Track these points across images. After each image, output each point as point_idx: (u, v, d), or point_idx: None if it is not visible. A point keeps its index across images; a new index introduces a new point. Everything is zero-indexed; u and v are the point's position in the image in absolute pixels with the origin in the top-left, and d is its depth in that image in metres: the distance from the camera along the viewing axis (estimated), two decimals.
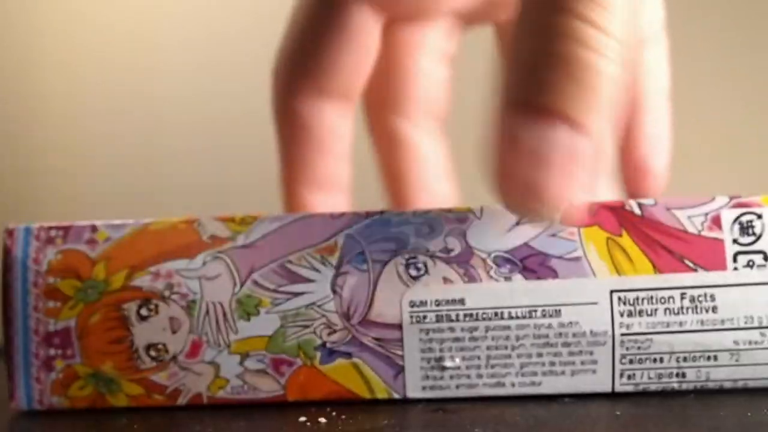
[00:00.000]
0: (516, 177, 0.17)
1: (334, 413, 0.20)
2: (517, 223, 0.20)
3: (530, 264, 0.20)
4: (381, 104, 0.25)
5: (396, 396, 0.20)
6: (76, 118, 0.43)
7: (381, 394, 0.20)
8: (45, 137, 0.42)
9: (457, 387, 0.20)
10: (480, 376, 0.20)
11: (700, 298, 0.19)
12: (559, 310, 0.20)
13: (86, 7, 0.44)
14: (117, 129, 0.45)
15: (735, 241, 0.20)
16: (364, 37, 0.23)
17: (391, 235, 0.20)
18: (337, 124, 0.24)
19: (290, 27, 0.24)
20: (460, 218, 0.20)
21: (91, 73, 0.44)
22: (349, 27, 0.23)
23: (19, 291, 0.21)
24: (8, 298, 0.21)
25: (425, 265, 0.20)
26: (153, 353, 0.21)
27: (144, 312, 0.21)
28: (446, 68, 0.25)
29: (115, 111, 0.44)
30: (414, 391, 0.20)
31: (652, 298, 0.20)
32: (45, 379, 0.21)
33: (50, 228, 0.21)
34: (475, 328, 0.20)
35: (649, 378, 0.20)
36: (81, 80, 0.44)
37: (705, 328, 0.19)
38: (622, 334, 0.20)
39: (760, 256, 0.19)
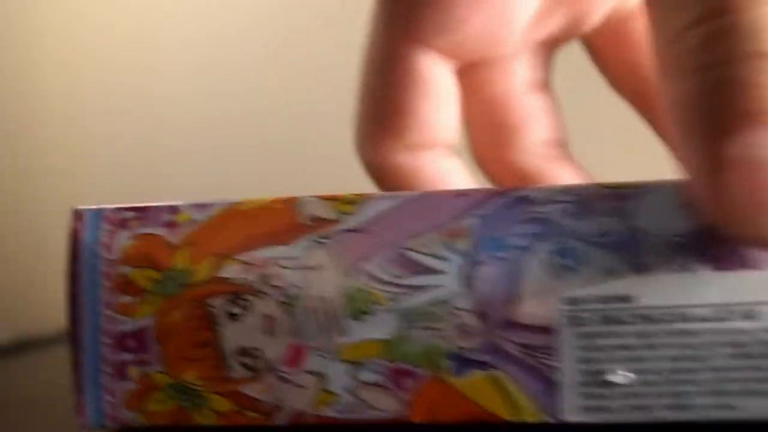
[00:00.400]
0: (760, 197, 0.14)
1: None
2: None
3: (718, 250, 0.16)
4: (492, 149, 0.24)
5: (549, 419, 0.16)
6: (76, 118, 0.43)
7: (529, 417, 0.16)
8: (45, 137, 0.42)
9: (628, 409, 0.16)
10: (657, 395, 0.16)
11: None
12: (759, 311, 0.15)
13: (86, 7, 0.44)
14: (117, 129, 0.44)
15: None
16: (438, 85, 0.22)
17: (534, 216, 0.16)
18: (444, 167, 0.23)
19: (363, 89, 0.23)
20: (619, 194, 0.16)
21: (91, 73, 0.44)
22: (422, 78, 0.22)
23: (88, 283, 0.17)
24: (75, 292, 0.18)
25: (580, 253, 0.16)
26: (246, 360, 0.17)
27: (234, 309, 0.17)
28: (543, 95, 0.24)
29: (115, 111, 0.44)
30: (572, 414, 0.16)
31: None
32: (118, 391, 0.17)
33: (124, 209, 0.18)
34: (650, 333, 0.16)
35: None
36: (81, 80, 0.43)
37: None
38: None
39: None
